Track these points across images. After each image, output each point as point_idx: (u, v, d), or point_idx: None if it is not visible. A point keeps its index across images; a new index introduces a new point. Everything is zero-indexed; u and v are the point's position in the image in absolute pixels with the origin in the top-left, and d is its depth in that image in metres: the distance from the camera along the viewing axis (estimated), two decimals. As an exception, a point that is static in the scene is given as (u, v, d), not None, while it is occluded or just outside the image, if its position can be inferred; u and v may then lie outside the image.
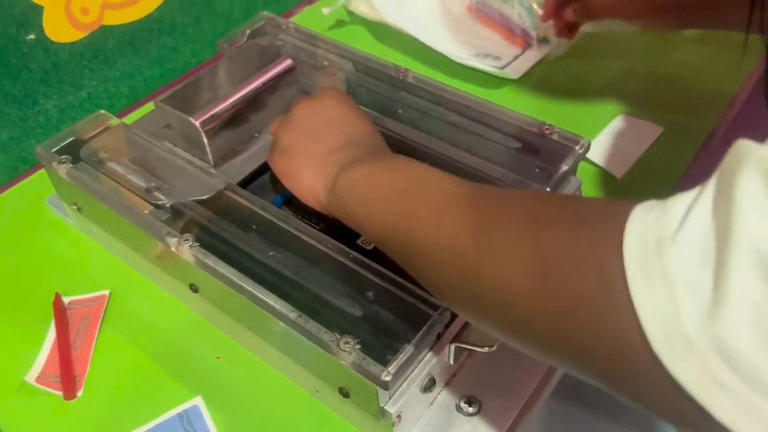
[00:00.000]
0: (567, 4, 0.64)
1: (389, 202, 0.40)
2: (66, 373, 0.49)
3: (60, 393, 0.48)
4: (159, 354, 0.51)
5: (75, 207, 0.55)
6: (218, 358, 0.50)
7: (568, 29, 0.67)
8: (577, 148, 0.51)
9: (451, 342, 0.43)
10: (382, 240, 0.41)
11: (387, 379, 0.38)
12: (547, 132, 0.53)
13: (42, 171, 0.66)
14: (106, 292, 0.54)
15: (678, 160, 0.64)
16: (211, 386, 0.49)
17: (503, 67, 0.74)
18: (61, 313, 0.53)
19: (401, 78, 0.60)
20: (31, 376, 0.50)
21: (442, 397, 0.46)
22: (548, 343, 0.31)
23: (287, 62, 0.57)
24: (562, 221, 0.31)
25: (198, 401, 0.48)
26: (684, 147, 0.66)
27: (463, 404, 0.46)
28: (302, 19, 0.86)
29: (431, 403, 0.46)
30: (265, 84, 0.55)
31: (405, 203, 0.40)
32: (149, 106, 0.73)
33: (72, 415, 0.47)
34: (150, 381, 0.49)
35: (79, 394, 0.49)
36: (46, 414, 0.48)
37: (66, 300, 0.54)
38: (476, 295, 0.34)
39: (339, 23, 0.85)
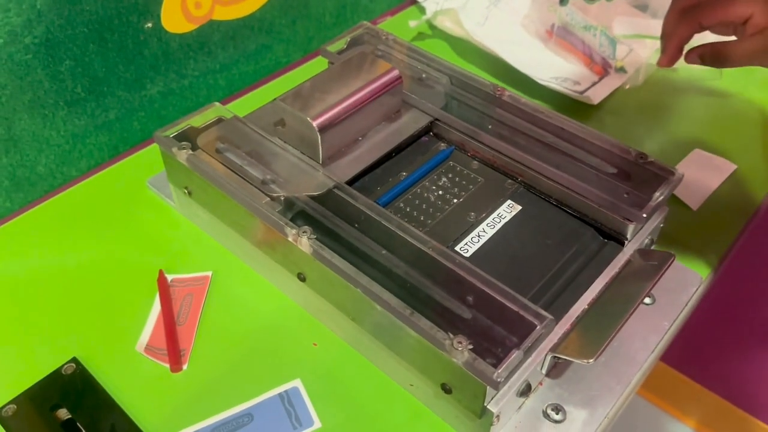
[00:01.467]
0: (685, 42, 0.58)
1: None
2: (172, 347, 0.52)
3: (167, 365, 0.51)
4: (258, 336, 0.54)
5: (186, 191, 0.58)
6: (315, 344, 0.53)
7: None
8: (671, 179, 0.54)
9: (549, 352, 0.46)
10: None
11: (499, 380, 0.41)
12: (640, 160, 0.55)
13: (142, 152, 0.70)
14: (209, 273, 0.57)
15: (750, 197, 0.67)
16: (307, 370, 0.51)
17: (583, 92, 0.77)
18: (165, 288, 0.56)
19: (497, 96, 0.62)
20: (140, 346, 0.53)
21: (530, 402, 0.49)
22: None
23: (395, 72, 0.60)
24: None
25: (297, 383, 0.50)
26: (756, 186, 0.68)
27: (550, 411, 0.48)
28: (385, 28, 0.89)
29: (519, 408, 0.49)
30: (373, 92, 0.58)
31: None
32: (243, 99, 0.76)
33: (178, 387, 0.50)
34: (250, 360, 0.52)
35: (185, 367, 0.52)
36: (153, 384, 0.51)
37: (168, 278, 0.57)
38: None
39: (420, 35, 0.88)
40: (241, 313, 0.55)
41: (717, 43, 0.55)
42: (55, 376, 0.51)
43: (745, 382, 1.21)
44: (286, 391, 0.50)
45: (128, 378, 0.51)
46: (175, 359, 0.52)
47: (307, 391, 0.50)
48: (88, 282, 0.57)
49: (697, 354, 1.24)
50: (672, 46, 0.58)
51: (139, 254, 0.60)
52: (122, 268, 0.59)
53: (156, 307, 0.55)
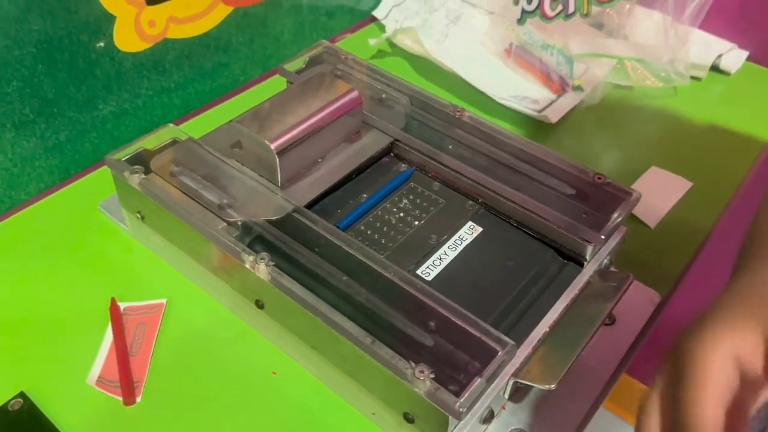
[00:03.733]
0: None
1: None
2: (125, 379, 0.50)
3: (119, 398, 0.50)
4: (216, 365, 0.52)
5: (138, 215, 0.57)
6: (274, 373, 0.52)
7: None
8: (629, 199, 0.54)
9: (511, 377, 0.46)
10: None
11: (461, 409, 0.40)
12: (598, 181, 0.56)
13: (93, 174, 0.68)
14: (164, 301, 0.56)
15: (707, 214, 0.68)
16: (268, 401, 0.50)
17: (541, 111, 0.78)
18: (117, 317, 0.54)
19: (457, 116, 0.62)
20: (91, 378, 0.51)
21: (492, 428, 0.49)
22: None
23: (354, 93, 0.59)
24: None
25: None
26: (711, 203, 0.69)
27: (513, 436, 0.48)
28: (345, 46, 0.89)
29: (482, 433, 0.48)
30: (333, 113, 0.58)
31: None
32: (199, 118, 0.75)
33: (132, 421, 0.49)
34: (208, 391, 0.50)
35: (139, 400, 0.50)
36: (105, 418, 0.49)
37: (121, 306, 0.55)
38: None
39: (380, 54, 0.88)
40: (197, 342, 0.54)
41: None
42: (1, 412, 0.48)
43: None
44: (244, 423, 0.48)
45: (79, 412, 0.49)
46: (129, 392, 0.50)
47: (267, 422, 0.49)
48: (37, 311, 0.55)
49: (653, 361, 1.26)
50: None
51: (90, 281, 0.58)
52: (72, 295, 0.57)
53: (108, 337, 0.53)
